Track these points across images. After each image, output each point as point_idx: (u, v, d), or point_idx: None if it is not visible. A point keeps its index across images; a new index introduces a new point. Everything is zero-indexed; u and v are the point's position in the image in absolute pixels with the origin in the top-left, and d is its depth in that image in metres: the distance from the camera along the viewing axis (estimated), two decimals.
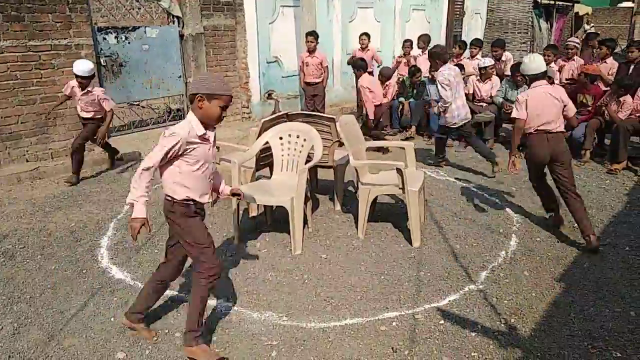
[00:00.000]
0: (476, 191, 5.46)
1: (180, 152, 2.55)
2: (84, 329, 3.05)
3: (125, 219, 4.69)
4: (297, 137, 4.40)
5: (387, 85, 8.02)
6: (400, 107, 7.97)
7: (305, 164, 4.27)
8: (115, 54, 7.05)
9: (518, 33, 13.40)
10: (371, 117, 7.11)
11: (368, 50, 8.54)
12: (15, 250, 4.08)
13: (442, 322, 3.10)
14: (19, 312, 3.22)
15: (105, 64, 6.96)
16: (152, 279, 2.96)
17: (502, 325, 3.09)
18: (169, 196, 2.66)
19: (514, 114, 4.23)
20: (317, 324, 3.10)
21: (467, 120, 5.99)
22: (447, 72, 5.80)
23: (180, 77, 7.87)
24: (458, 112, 5.86)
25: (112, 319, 3.15)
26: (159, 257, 3.94)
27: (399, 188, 4.13)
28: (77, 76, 5.48)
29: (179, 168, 2.60)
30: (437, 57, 5.95)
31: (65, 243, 4.21)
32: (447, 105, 5.81)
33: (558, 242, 4.23)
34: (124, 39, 7.11)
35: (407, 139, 7.64)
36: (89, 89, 5.60)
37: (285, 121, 4.70)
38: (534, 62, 4.17)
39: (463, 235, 4.34)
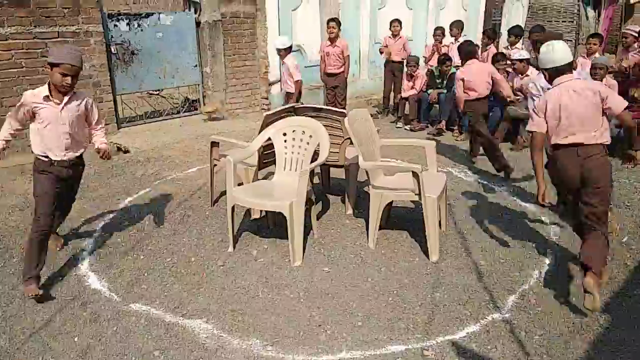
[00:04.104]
0: (510, 197, 4.84)
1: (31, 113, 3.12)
2: (43, 350, 2.69)
3: (116, 220, 4.34)
4: (303, 133, 3.93)
5: (415, 76, 7.44)
6: (433, 100, 7.36)
7: (311, 163, 3.80)
8: (127, 42, 6.74)
9: (563, 22, 12.44)
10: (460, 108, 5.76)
11: (399, 38, 7.95)
12: None
13: None
14: None
15: (116, 52, 6.66)
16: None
17: None
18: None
19: (529, 127, 3.31)
20: (306, 357, 2.63)
21: None
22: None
23: (195, 66, 7.51)
24: None
25: (75, 339, 2.77)
26: (143, 264, 3.58)
27: (416, 194, 3.60)
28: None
29: (33, 126, 3.18)
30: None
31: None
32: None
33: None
34: (136, 26, 6.79)
35: (437, 134, 7.06)
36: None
37: (292, 115, 4.24)
38: (557, 52, 3.17)
39: (489, 249, 3.77)
